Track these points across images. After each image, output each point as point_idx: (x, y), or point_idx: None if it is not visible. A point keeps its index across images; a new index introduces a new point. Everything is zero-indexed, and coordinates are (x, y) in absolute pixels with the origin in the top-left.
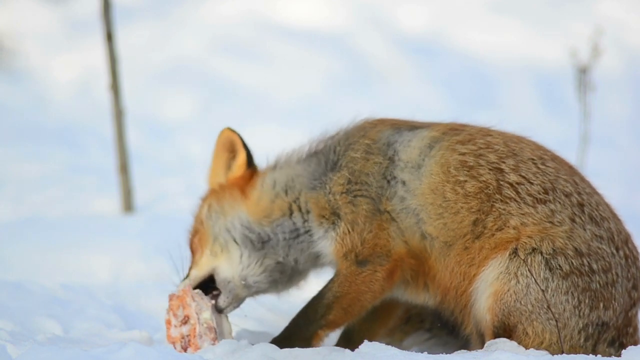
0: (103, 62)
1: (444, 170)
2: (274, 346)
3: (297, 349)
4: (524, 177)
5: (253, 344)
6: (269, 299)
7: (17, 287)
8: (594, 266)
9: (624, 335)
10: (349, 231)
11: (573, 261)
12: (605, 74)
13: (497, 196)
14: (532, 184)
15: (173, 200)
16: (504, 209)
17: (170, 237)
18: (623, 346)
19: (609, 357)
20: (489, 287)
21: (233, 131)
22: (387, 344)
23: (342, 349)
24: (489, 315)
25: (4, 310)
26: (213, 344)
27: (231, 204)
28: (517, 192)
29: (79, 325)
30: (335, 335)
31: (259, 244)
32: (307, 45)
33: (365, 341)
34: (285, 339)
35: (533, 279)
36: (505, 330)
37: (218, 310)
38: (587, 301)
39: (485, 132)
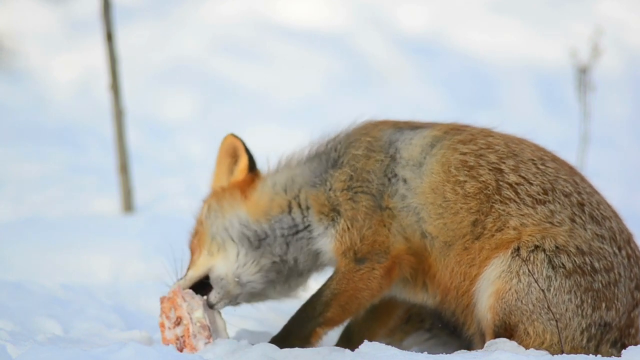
0: (103, 62)
1: (444, 169)
2: (274, 346)
3: (297, 348)
4: (523, 177)
5: (253, 344)
6: None
7: (17, 287)
8: (596, 265)
9: (626, 336)
10: (348, 228)
11: (576, 259)
12: (605, 74)
13: (497, 197)
14: (531, 184)
15: (173, 200)
16: (504, 210)
17: (170, 237)
18: (625, 347)
19: (608, 358)
20: (491, 285)
21: (236, 137)
22: (387, 344)
23: (342, 349)
24: (490, 314)
25: (4, 310)
26: (208, 342)
27: (231, 204)
28: (517, 193)
29: (79, 325)
30: (335, 335)
31: (256, 242)
32: (307, 45)
33: (365, 341)
34: (284, 337)
35: (535, 278)
36: (506, 329)
37: (209, 306)
38: (589, 301)
39: (487, 133)
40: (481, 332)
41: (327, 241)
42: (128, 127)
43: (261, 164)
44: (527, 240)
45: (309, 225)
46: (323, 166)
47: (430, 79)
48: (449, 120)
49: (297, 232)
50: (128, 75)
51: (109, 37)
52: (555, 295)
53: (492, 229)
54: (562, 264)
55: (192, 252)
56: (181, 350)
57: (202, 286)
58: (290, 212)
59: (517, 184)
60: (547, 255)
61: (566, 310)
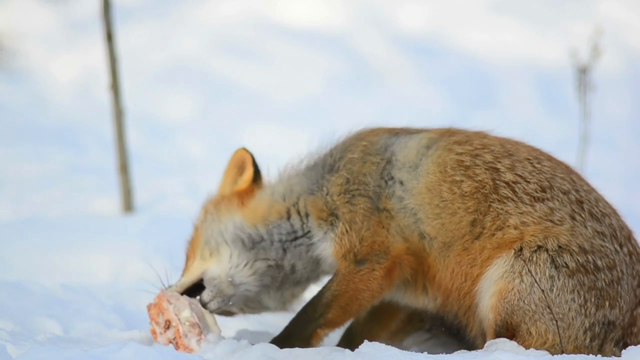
0: (103, 62)
1: (440, 169)
2: (274, 346)
3: (297, 349)
4: (520, 175)
5: (253, 344)
6: None
7: (17, 287)
8: (599, 263)
9: (628, 335)
10: (347, 230)
11: (578, 258)
12: (605, 74)
13: (494, 196)
14: (528, 182)
15: (173, 200)
16: (502, 209)
17: (170, 237)
18: (627, 346)
19: (608, 358)
20: (493, 285)
21: (247, 151)
22: (387, 344)
23: (342, 349)
24: (492, 314)
25: (4, 310)
26: (200, 339)
27: (228, 209)
28: (514, 191)
29: (79, 325)
30: (336, 337)
31: (250, 243)
32: (307, 45)
33: (365, 341)
34: (285, 339)
35: (537, 278)
36: (507, 329)
37: (202, 305)
38: (593, 300)
39: (482, 135)
40: (482, 332)
41: (327, 245)
42: (128, 127)
43: (263, 174)
44: (530, 240)
45: (308, 232)
46: (319, 173)
47: (430, 79)
48: (446, 124)
49: (296, 238)
50: (128, 75)
51: (109, 37)
52: (559, 295)
53: (492, 228)
54: (565, 263)
55: (187, 259)
56: None
57: (196, 290)
58: (289, 218)
59: (514, 182)
60: (549, 255)
61: (569, 309)
